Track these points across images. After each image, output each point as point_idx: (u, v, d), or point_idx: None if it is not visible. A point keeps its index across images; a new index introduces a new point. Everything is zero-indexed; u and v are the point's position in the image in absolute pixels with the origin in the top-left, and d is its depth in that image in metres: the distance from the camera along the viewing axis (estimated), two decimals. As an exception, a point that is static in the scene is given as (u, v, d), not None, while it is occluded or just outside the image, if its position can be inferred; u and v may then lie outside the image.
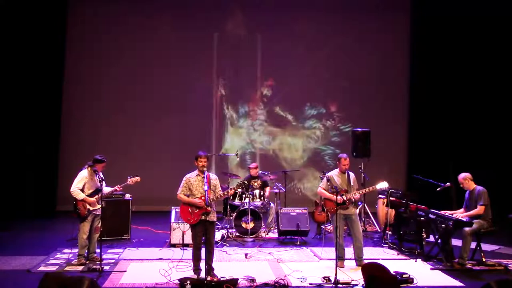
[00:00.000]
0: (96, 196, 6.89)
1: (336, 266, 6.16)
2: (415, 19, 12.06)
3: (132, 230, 8.62)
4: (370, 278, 5.07)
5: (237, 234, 8.64)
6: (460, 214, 7.24)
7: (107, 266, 6.66)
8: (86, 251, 6.97)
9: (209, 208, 6.11)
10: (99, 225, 6.91)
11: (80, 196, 6.81)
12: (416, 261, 7.24)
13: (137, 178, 7.30)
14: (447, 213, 7.30)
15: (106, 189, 7.12)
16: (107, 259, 7.05)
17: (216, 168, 11.59)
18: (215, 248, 6.91)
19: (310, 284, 6.08)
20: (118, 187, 7.26)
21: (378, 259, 7.16)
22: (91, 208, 6.86)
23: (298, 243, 8.35)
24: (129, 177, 7.26)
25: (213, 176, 6.42)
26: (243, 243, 8.31)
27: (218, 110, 11.99)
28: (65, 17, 11.29)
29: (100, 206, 6.89)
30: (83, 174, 6.92)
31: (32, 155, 10.66)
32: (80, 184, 6.87)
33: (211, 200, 6.16)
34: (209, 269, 6.13)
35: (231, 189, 6.46)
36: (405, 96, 12.25)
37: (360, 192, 7.04)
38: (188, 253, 6.91)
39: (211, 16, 11.83)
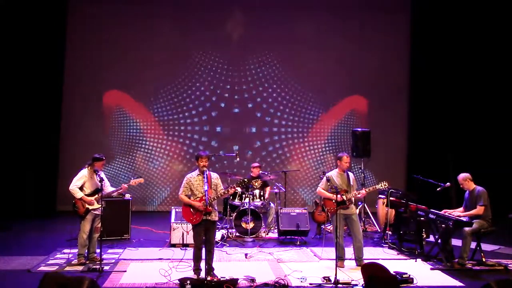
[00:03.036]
0: (96, 196, 6.89)
1: (336, 266, 6.16)
2: (415, 19, 12.05)
3: (132, 230, 8.62)
4: (370, 278, 5.06)
5: (237, 234, 8.64)
6: (458, 213, 7.24)
7: (107, 266, 6.66)
8: (86, 250, 6.98)
9: (209, 208, 6.12)
10: (99, 225, 6.91)
11: (78, 194, 6.81)
12: (416, 261, 7.24)
13: (141, 180, 7.31)
14: (447, 212, 7.30)
15: (110, 189, 7.17)
16: (107, 259, 7.05)
17: (215, 168, 11.59)
18: (215, 248, 6.92)
19: (310, 284, 6.08)
20: (124, 186, 7.23)
21: (378, 259, 7.15)
22: (89, 207, 6.87)
23: (298, 243, 8.35)
24: (132, 178, 7.27)
25: (214, 175, 6.42)
26: (243, 243, 8.31)
27: (218, 110, 11.98)
28: (65, 16, 11.28)
29: (100, 205, 6.89)
30: (83, 173, 6.93)
31: (32, 155, 10.65)
32: (79, 182, 6.87)
33: (212, 200, 6.17)
34: (209, 269, 6.14)
35: (231, 187, 6.46)
36: (405, 96, 12.25)
37: (365, 191, 7.03)
38: (189, 253, 6.91)
39: (212, 16, 11.81)
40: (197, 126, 11.92)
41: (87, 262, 6.88)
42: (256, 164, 9.57)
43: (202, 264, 6.21)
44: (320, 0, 12.12)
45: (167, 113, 11.84)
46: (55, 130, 11.16)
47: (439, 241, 7.22)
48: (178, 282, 5.90)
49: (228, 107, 12.00)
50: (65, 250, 7.43)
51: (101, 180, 6.77)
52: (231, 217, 8.91)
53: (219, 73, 11.96)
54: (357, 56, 12.07)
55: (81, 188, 6.87)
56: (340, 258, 6.75)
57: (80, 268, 6.62)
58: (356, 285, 5.99)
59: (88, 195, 6.88)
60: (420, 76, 11.91)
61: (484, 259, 7.14)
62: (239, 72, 12.00)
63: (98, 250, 6.80)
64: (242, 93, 12.05)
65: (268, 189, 9.43)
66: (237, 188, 6.65)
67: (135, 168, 11.63)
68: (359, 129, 9.89)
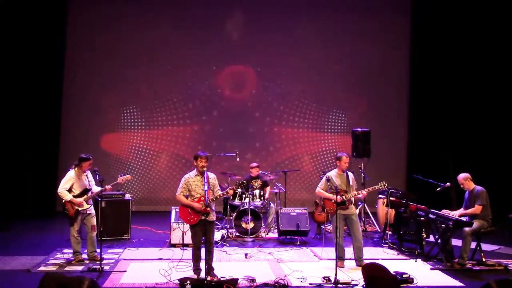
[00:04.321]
0: (85, 196, 6.90)
1: (336, 266, 6.16)
2: (415, 19, 12.05)
3: (132, 230, 8.61)
4: (370, 278, 5.06)
5: (237, 234, 8.63)
6: (457, 213, 7.24)
7: (107, 266, 6.66)
8: (86, 251, 7.00)
9: (208, 209, 6.10)
10: (95, 223, 6.98)
11: (67, 197, 6.83)
12: (416, 261, 7.24)
13: (128, 176, 7.32)
14: (446, 212, 7.30)
15: (96, 189, 7.12)
16: (107, 259, 7.05)
17: (215, 168, 11.57)
18: (215, 248, 6.93)
19: (310, 284, 6.08)
20: (107, 187, 7.21)
21: (378, 259, 7.16)
22: (79, 209, 6.88)
23: (298, 243, 8.35)
24: (119, 176, 7.27)
25: (211, 176, 6.40)
26: (243, 243, 8.31)
27: (218, 110, 11.97)
28: (65, 17, 11.25)
29: (89, 205, 6.94)
30: (70, 175, 6.95)
31: (32, 155, 10.65)
32: (67, 184, 6.89)
33: (211, 201, 6.15)
34: (209, 269, 6.13)
35: (230, 188, 6.45)
36: (405, 96, 12.24)
37: (365, 191, 7.03)
38: (188, 253, 6.91)
39: (212, 15, 11.80)
40: (197, 125, 11.91)
41: (87, 261, 6.89)
42: (255, 164, 9.58)
43: (202, 264, 6.20)
44: (320, 0, 12.11)
45: (167, 113, 11.83)
46: (55, 130, 11.14)
47: (439, 241, 7.22)
48: (178, 282, 5.90)
49: (228, 107, 11.99)
50: (65, 250, 7.42)
51: (102, 180, 6.79)
52: (231, 217, 8.91)
53: (219, 73, 11.94)
54: (358, 56, 12.05)
55: (69, 190, 6.88)
56: (340, 258, 6.75)
57: (80, 268, 6.62)
58: (356, 285, 5.99)
59: (76, 196, 6.89)
60: (420, 76, 11.89)
61: (484, 259, 7.14)
62: (239, 72, 11.98)
63: (98, 250, 6.79)
64: (242, 92, 12.04)
65: (268, 189, 9.43)
66: (236, 189, 6.63)
67: (134, 168, 11.62)
68: (359, 129, 9.89)
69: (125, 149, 11.68)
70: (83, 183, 6.97)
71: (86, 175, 7.03)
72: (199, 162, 6.26)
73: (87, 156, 7.03)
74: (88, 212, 6.98)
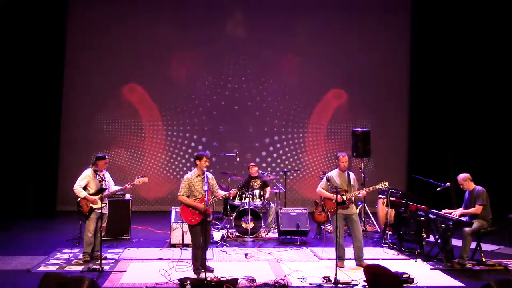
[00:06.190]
0: (100, 195, 6.91)
1: (336, 266, 6.16)
2: (415, 19, 12.05)
3: (132, 230, 8.61)
4: (373, 275, 5.04)
5: (237, 234, 8.63)
6: (457, 212, 7.24)
7: (107, 266, 6.66)
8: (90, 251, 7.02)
9: (210, 209, 6.12)
10: (105, 223, 7.02)
11: (82, 194, 6.88)
12: (416, 261, 7.24)
13: (145, 179, 7.34)
14: (447, 212, 7.30)
15: (115, 188, 7.25)
16: (107, 259, 7.05)
17: (215, 168, 11.58)
18: (215, 248, 6.93)
19: (310, 284, 6.08)
20: (128, 185, 7.26)
21: (378, 259, 7.17)
22: (94, 207, 6.90)
23: (298, 243, 8.35)
24: (137, 177, 7.30)
25: (209, 175, 6.43)
26: (243, 243, 8.31)
27: (218, 110, 11.97)
28: (65, 17, 11.25)
29: (104, 204, 6.91)
30: (87, 173, 7.00)
31: (32, 155, 10.65)
32: (83, 182, 6.93)
33: (213, 201, 6.17)
34: (204, 264, 6.15)
35: (233, 190, 6.49)
36: (406, 96, 12.24)
37: (365, 191, 7.02)
38: (188, 253, 6.92)
39: (212, 15, 11.80)
40: (197, 126, 11.92)
41: (92, 260, 6.91)
42: (252, 163, 9.61)
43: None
44: (320, 0, 12.12)
45: (166, 113, 11.83)
46: (55, 130, 11.14)
47: (439, 241, 7.22)
48: (178, 282, 5.91)
49: (228, 107, 11.99)
50: (65, 250, 7.44)
51: (101, 180, 6.82)
52: (231, 217, 8.91)
53: (219, 73, 11.95)
54: (358, 56, 12.04)
55: (85, 188, 6.93)
56: (340, 258, 6.74)
57: (80, 268, 6.62)
58: (356, 285, 5.99)
59: (92, 195, 6.93)
60: (420, 76, 11.89)
61: (484, 259, 7.14)
62: (239, 71, 11.99)
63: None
64: (242, 92, 12.03)
65: (268, 189, 9.43)
66: (238, 191, 6.66)
67: (134, 169, 11.63)
68: (359, 129, 9.89)
69: (124, 149, 11.67)
70: (98, 182, 6.98)
71: (103, 175, 7.04)
72: (204, 162, 6.30)
73: (103, 155, 7.13)
74: (104, 212, 6.97)
